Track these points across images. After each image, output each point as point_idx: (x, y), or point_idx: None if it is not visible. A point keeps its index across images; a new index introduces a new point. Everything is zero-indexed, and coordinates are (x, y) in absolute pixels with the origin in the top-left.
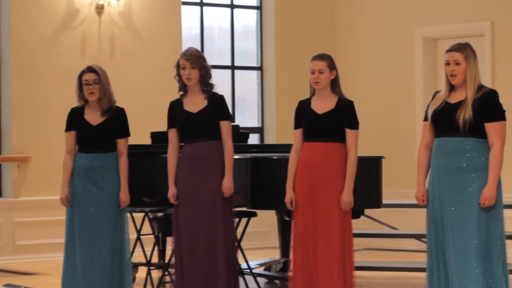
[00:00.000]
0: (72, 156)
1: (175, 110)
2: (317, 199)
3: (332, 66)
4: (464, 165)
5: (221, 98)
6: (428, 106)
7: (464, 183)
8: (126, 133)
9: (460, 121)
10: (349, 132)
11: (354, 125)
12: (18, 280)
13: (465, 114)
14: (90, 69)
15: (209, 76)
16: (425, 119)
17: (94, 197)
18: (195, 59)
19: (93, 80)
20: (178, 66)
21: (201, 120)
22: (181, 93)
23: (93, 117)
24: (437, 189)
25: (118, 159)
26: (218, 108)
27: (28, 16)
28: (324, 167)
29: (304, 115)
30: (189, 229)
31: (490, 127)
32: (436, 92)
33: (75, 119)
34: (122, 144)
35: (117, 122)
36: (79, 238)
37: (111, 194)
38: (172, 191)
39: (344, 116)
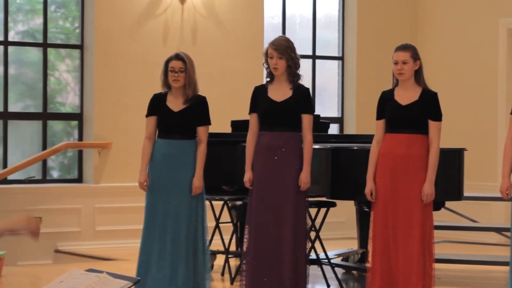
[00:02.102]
0: (151, 141)
1: (259, 95)
2: (398, 190)
3: (416, 56)
4: None
5: (306, 90)
6: None
7: None
8: (206, 121)
9: None
10: (432, 124)
11: (438, 117)
12: (98, 265)
13: None
14: (177, 57)
15: (296, 66)
16: None
17: (173, 183)
18: (283, 49)
19: (179, 68)
20: (266, 54)
21: (284, 110)
22: (268, 79)
23: (175, 103)
24: None
25: (197, 147)
26: (302, 100)
27: (112, 4)
28: (406, 158)
29: (387, 106)
30: (258, 217)
31: None
32: None
33: (157, 105)
34: (202, 132)
35: (198, 109)
36: (155, 224)
37: (188, 181)
38: (248, 176)
39: (427, 108)
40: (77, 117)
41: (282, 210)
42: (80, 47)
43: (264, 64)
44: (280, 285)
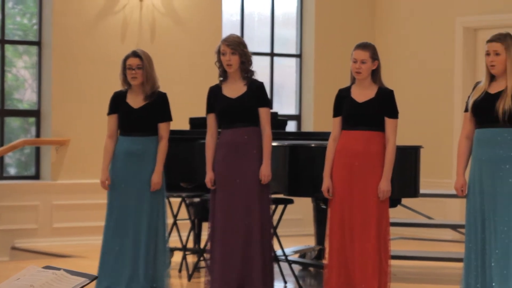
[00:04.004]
0: (113, 139)
1: (214, 95)
2: (355, 187)
3: (375, 56)
4: (505, 156)
5: (261, 85)
6: (469, 97)
7: (505, 174)
8: (167, 118)
9: (499, 112)
10: (388, 121)
11: (394, 114)
12: (55, 262)
13: (505, 105)
14: (134, 54)
15: (249, 62)
16: (466, 109)
17: (135, 180)
18: (236, 45)
19: (137, 65)
20: (219, 52)
21: (240, 106)
22: (221, 78)
23: (135, 100)
24: (478, 180)
25: (158, 143)
26: (258, 94)
27: (70, 1)
28: (362, 155)
29: (343, 104)
30: (225, 215)
31: None
32: (477, 83)
33: (117, 103)
34: (163, 128)
35: (159, 106)
36: (119, 221)
37: (149, 178)
38: (209, 176)
39: (384, 105)
40: (35, 113)
41: (248, 205)
42: (38, 43)
43: (217, 63)
44: (250, 284)
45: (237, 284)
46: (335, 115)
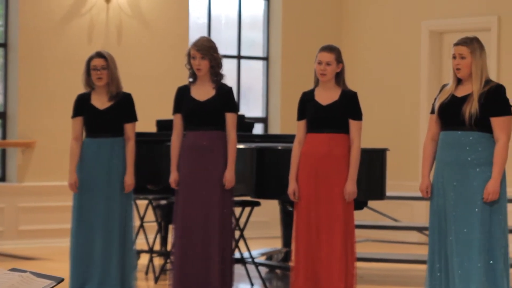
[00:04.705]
0: (79, 142)
1: (182, 96)
2: (321, 190)
3: (339, 59)
4: (469, 159)
5: (229, 89)
6: (435, 99)
7: (468, 177)
8: (133, 118)
9: (466, 115)
10: (352, 123)
11: (358, 116)
12: (21, 265)
13: (471, 108)
14: (98, 55)
15: (219, 66)
16: (432, 112)
17: (102, 182)
18: (206, 49)
19: (101, 65)
20: (189, 55)
21: (207, 109)
22: (191, 80)
23: (100, 102)
24: (441, 182)
25: (125, 144)
26: (226, 99)
27: (36, 3)
28: (328, 158)
29: (307, 107)
30: (185, 217)
31: (496, 122)
32: (444, 85)
33: (82, 105)
34: (129, 129)
35: (124, 106)
36: (86, 224)
37: (117, 179)
38: (173, 177)
39: (348, 107)
40: (1, 115)
41: (209, 209)
42: (4, 45)
43: (187, 65)
44: (207, 286)
45: (196, 286)
46: (299, 119)
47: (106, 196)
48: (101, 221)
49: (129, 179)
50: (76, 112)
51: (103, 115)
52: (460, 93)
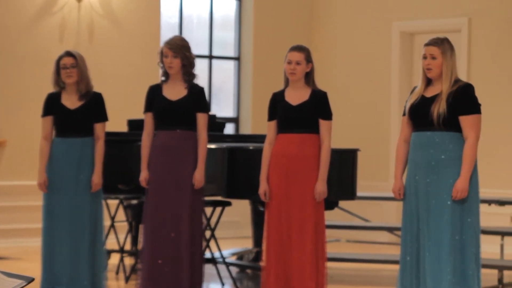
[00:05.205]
0: (48, 141)
1: (154, 94)
2: (292, 190)
3: (309, 59)
4: (439, 159)
5: (201, 90)
6: (407, 101)
7: (439, 177)
8: (103, 118)
9: (434, 115)
10: (322, 123)
11: (328, 116)
12: None
13: (439, 108)
14: (67, 54)
15: (191, 66)
16: (404, 113)
17: (71, 182)
18: (178, 48)
19: (71, 64)
20: (161, 54)
21: (179, 109)
22: (163, 78)
23: (70, 101)
24: (414, 183)
25: (95, 144)
26: (197, 99)
27: (8, 1)
28: (299, 158)
29: (278, 107)
30: (155, 216)
31: (465, 120)
32: (415, 87)
33: (52, 104)
34: (99, 129)
35: (94, 106)
36: (56, 223)
37: (87, 179)
38: (144, 175)
39: (318, 107)
40: None
41: (178, 209)
42: None
43: (159, 64)
44: (177, 285)
45: (165, 285)
46: (270, 119)
47: (75, 196)
48: (71, 221)
49: (97, 179)
50: (46, 111)
51: (73, 115)
52: (429, 93)
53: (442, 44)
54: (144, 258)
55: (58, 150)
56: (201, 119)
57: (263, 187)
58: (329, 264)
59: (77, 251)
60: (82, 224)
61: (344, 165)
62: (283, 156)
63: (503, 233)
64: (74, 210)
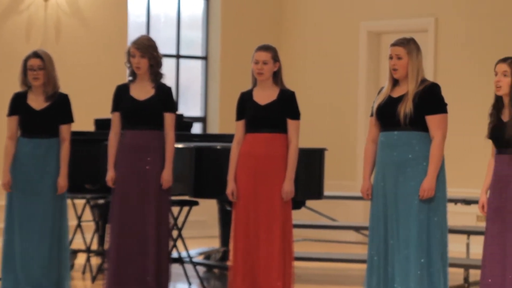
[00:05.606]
0: (14, 141)
1: (121, 94)
2: (260, 190)
3: (276, 58)
4: (406, 158)
5: (168, 89)
6: (374, 101)
7: (406, 177)
8: (69, 119)
9: (401, 115)
10: (290, 123)
11: (296, 115)
12: None
13: (406, 108)
14: (35, 55)
15: (159, 65)
16: (371, 114)
17: (35, 182)
18: (145, 48)
19: (38, 66)
20: (128, 53)
21: (146, 109)
22: (130, 78)
23: (37, 102)
24: (381, 183)
25: (60, 145)
26: (165, 99)
27: None
28: (267, 158)
29: (246, 107)
30: (121, 216)
31: (431, 120)
32: (382, 88)
33: (18, 104)
34: (65, 130)
35: (60, 107)
36: (19, 224)
37: (52, 180)
38: (110, 175)
39: (286, 107)
40: None
41: (145, 209)
42: None
43: (126, 64)
44: (143, 285)
45: (132, 285)
46: (238, 119)
47: (39, 197)
48: (34, 221)
49: (62, 181)
50: (12, 111)
51: (39, 116)
52: (396, 93)
53: (408, 44)
54: (110, 258)
55: (23, 150)
56: (169, 119)
57: (230, 187)
58: (296, 264)
59: (40, 251)
60: (46, 224)
61: (311, 165)
62: (251, 155)
63: (469, 232)
64: (37, 210)
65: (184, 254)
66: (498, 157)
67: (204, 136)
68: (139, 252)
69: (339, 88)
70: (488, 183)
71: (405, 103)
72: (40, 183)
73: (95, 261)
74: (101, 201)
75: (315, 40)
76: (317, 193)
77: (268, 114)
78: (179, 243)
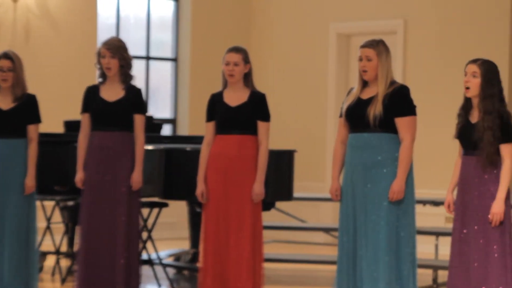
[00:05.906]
0: None
1: (91, 95)
2: (230, 191)
3: (247, 60)
4: (375, 160)
5: (138, 91)
6: (343, 102)
7: (375, 178)
8: (36, 119)
9: (370, 117)
10: (261, 125)
11: (266, 117)
12: None
13: (375, 110)
14: (6, 56)
15: (129, 66)
16: (341, 115)
17: (3, 183)
18: (116, 49)
19: (8, 67)
20: (99, 54)
21: (116, 110)
22: (100, 80)
23: (4, 102)
24: (350, 184)
25: (28, 146)
26: (135, 100)
27: None
28: (237, 159)
29: (216, 108)
30: (91, 217)
31: (400, 122)
32: (351, 89)
33: None
34: (32, 130)
35: (28, 108)
36: None
37: (20, 180)
38: (79, 176)
39: (256, 109)
40: None
41: (115, 210)
42: None
43: (97, 65)
44: (113, 287)
45: (101, 287)
46: (208, 120)
47: (7, 198)
48: (2, 222)
49: (30, 181)
50: None
51: (6, 116)
52: (365, 95)
53: (378, 46)
54: (80, 260)
55: None
56: (139, 121)
57: (200, 188)
58: (266, 265)
59: (8, 252)
60: (14, 226)
61: (280, 166)
62: (221, 157)
63: (437, 233)
64: (5, 211)
65: (154, 255)
66: (465, 158)
67: (174, 138)
68: (109, 254)
69: (309, 90)
70: (454, 183)
71: (375, 105)
72: (7, 184)
73: (64, 263)
74: (70, 203)
75: (285, 41)
76: (287, 195)
77: (239, 116)
78: (149, 245)
